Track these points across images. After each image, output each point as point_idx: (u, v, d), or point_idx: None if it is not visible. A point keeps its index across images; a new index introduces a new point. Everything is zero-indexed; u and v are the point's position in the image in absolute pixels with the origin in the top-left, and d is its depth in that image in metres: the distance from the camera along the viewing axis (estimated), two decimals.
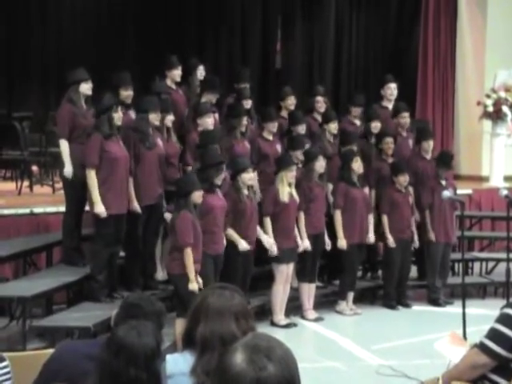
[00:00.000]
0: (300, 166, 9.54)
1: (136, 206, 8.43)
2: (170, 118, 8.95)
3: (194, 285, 7.57)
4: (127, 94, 9.02)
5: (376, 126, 10.67)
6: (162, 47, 13.72)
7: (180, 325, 7.43)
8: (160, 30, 14.73)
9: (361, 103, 11.16)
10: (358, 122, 11.02)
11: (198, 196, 7.80)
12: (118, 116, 8.13)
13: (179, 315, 7.67)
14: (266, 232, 9.05)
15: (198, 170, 8.32)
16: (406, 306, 10.30)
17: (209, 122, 9.19)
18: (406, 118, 11.04)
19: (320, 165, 9.47)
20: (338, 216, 9.75)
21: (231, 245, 8.50)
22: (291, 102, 10.71)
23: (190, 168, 9.02)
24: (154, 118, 8.61)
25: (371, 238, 10.00)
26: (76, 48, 13.99)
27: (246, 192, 8.66)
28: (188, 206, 7.73)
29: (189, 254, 7.63)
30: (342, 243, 9.68)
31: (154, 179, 8.61)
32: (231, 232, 8.52)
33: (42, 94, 14.20)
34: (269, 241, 8.93)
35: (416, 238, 10.35)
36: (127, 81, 9.08)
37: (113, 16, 14.73)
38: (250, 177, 8.67)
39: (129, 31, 14.77)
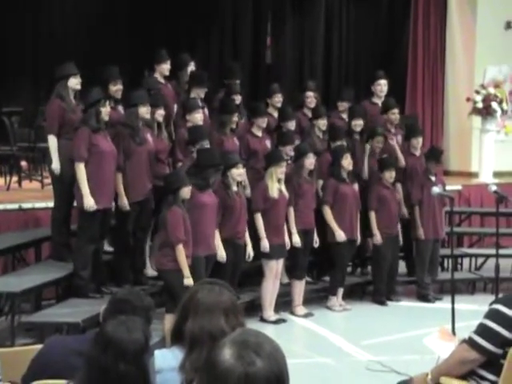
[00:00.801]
0: (290, 161, 9.53)
1: (124, 203, 8.41)
2: (160, 113, 8.92)
3: (190, 280, 7.57)
4: (116, 88, 9.00)
5: (358, 123, 10.65)
6: (152, 42, 13.66)
7: (169, 320, 7.42)
8: (151, 24, 14.65)
9: (348, 98, 11.12)
10: (346, 117, 11.01)
11: (186, 192, 7.82)
12: (105, 110, 8.12)
13: (168, 311, 7.67)
14: (257, 228, 9.05)
15: (195, 168, 8.30)
16: (396, 301, 10.32)
17: (198, 117, 9.17)
18: (395, 114, 11.05)
19: (310, 162, 9.47)
20: (327, 211, 9.75)
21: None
22: (278, 99, 10.65)
23: (180, 164, 8.99)
24: (144, 111, 8.57)
25: (358, 239, 9.98)
26: (67, 43, 13.93)
27: (235, 188, 8.66)
28: (177, 202, 7.74)
29: (181, 251, 7.65)
30: (340, 234, 9.67)
31: (143, 175, 8.59)
32: (217, 237, 8.51)
33: (32, 89, 14.14)
34: (250, 253, 8.92)
35: (400, 234, 10.37)
36: (116, 75, 9.05)
37: (104, 11, 14.65)
38: (239, 172, 8.67)
39: (120, 26, 14.70)
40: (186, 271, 7.65)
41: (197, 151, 8.60)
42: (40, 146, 10.68)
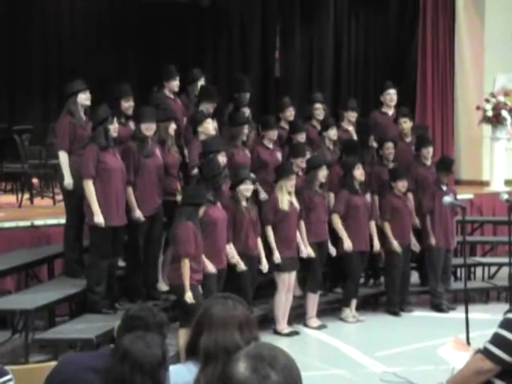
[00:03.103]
0: (301, 174, 9.54)
1: (138, 215, 8.40)
2: (173, 127, 8.92)
3: (189, 294, 7.55)
4: (128, 105, 9.08)
5: (371, 138, 10.71)
6: (161, 57, 13.74)
7: (183, 335, 7.42)
8: (160, 40, 14.75)
9: (354, 107, 11.09)
10: (350, 129, 10.97)
11: (202, 210, 7.84)
12: (113, 127, 8.15)
13: (182, 325, 7.66)
14: (268, 241, 9.06)
15: (203, 179, 8.30)
16: (408, 311, 10.30)
17: (210, 127, 9.17)
18: (402, 123, 11.03)
19: (323, 174, 9.47)
20: (336, 219, 9.73)
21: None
22: (290, 113, 10.68)
23: (195, 170, 8.91)
24: (145, 128, 8.53)
25: (377, 245, 9.98)
26: (76, 60, 14.01)
27: (244, 203, 8.66)
28: (193, 217, 7.72)
29: (186, 264, 7.62)
30: (348, 244, 9.67)
31: (153, 190, 8.59)
32: (232, 251, 8.53)
33: (42, 106, 14.21)
34: (265, 265, 8.93)
35: (415, 242, 10.34)
36: (128, 92, 9.13)
37: (112, 27, 14.75)
38: (246, 188, 8.66)
39: (128, 41, 14.78)
40: (187, 286, 7.61)
41: (201, 162, 8.59)
42: (51, 163, 10.73)
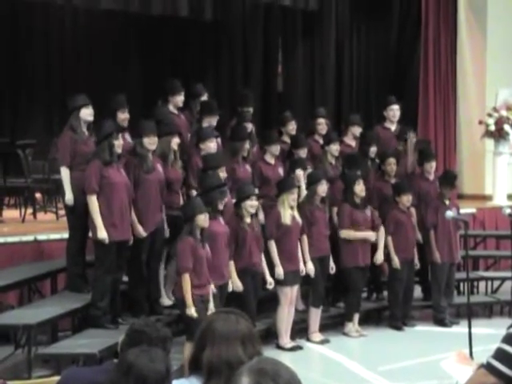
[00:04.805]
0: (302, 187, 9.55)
1: (140, 231, 8.40)
2: (176, 141, 8.91)
3: (192, 309, 7.55)
4: (124, 116, 9.08)
5: (373, 150, 10.71)
6: (164, 71, 13.76)
7: (189, 348, 7.40)
8: (162, 54, 14.78)
9: (358, 122, 11.10)
10: (353, 144, 10.98)
11: (202, 220, 7.78)
12: (118, 143, 8.15)
13: (189, 339, 7.63)
14: (271, 255, 9.05)
15: (201, 195, 8.31)
16: (411, 326, 10.28)
17: (211, 146, 9.17)
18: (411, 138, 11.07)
19: (322, 189, 9.48)
20: (345, 234, 9.73)
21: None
22: (292, 127, 10.69)
23: (193, 192, 8.97)
24: (148, 142, 8.52)
25: (379, 258, 9.98)
26: (79, 75, 14.03)
27: (248, 220, 8.65)
28: (192, 231, 7.71)
29: (186, 279, 7.61)
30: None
31: (154, 205, 8.58)
32: (232, 268, 8.53)
33: (46, 121, 14.22)
34: (271, 281, 8.94)
35: (416, 259, 10.33)
36: (123, 104, 9.11)
37: (115, 42, 14.77)
38: (252, 204, 8.66)
39: (131, 56, 14.81)
40: (189, 300, 7.61)
41: (200, 176, 8.61)
42: (54, 178, 10.71)
